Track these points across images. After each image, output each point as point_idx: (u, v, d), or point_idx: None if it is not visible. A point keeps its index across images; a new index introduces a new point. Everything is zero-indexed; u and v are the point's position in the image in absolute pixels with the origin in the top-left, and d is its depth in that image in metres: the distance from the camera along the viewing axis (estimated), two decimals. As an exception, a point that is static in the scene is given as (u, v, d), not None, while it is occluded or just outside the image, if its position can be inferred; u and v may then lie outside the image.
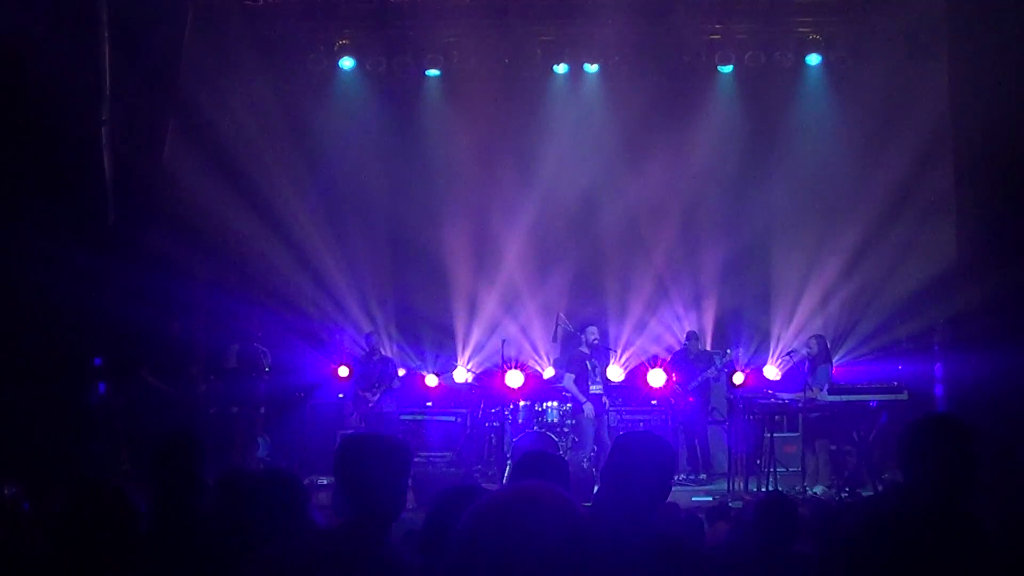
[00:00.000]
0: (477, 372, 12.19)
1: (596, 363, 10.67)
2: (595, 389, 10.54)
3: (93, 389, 9.88)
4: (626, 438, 3.31)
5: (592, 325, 10.95)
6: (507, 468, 9.70)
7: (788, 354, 11.08)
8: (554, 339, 11.58)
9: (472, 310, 12.54)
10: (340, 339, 12.08)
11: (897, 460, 3.42)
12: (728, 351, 11.08)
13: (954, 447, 3.17)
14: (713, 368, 10.84)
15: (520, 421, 10.67)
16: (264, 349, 10.65)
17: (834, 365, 10.65)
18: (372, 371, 11.04)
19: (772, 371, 11.78)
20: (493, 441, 10.92)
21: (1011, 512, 3.63)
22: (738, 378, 10.90)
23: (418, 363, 12.30)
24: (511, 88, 12.37)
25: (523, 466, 3.71)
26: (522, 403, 10.73)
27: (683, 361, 11.10)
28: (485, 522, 1.92)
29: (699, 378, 10.82)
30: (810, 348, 10.37)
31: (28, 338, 8.58)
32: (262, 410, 10.54)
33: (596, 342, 10.77)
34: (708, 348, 11.72)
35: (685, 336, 11.53)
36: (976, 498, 3.16)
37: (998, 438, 7.72)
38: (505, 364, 10.99)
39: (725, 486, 9.96)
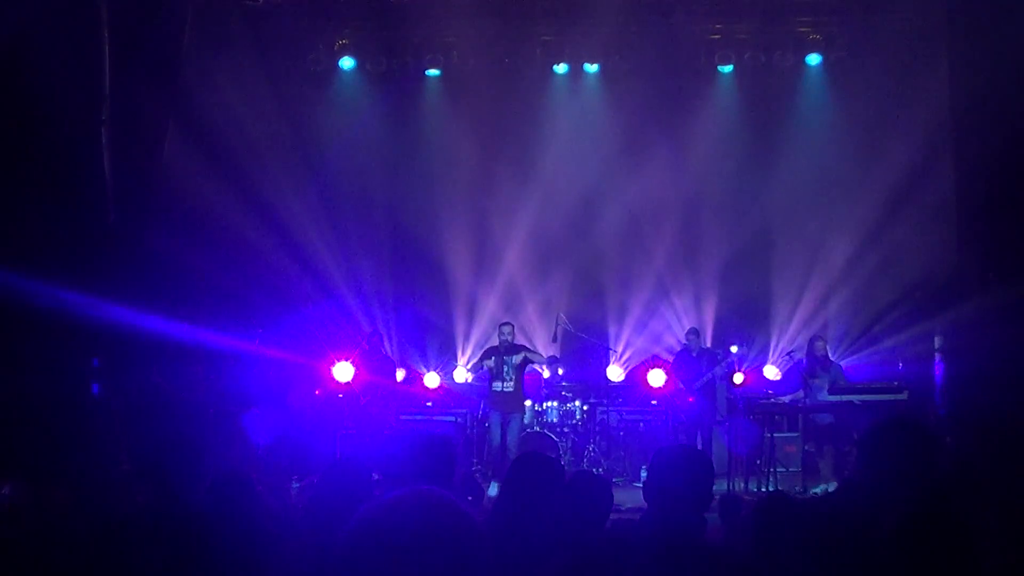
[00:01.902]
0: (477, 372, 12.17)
1: (506, 359, 10.23)
2: (498, 385, 10.23)
3: (92, 389, 9.87)
4: (663, 455, 3.23)
5: (507, 324, 10.56)
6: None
7: (788, 354, 11.06)
8: (554, 339, 11.56)
9: (472, 310, 12.54)
10: (350, 336, 12.05)
11: (858, 459, 3.42)
12: (733, 347, 10.99)
13: (911, 451, 3.16)
14: (720, 366, 10.74)
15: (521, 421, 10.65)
16: (263, 349, 10.65)
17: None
18: (372, 369, 11.02)
19: (772, 371, 11.78)
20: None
21: (1011, 510, 3.62)
22: (738, 378, 10.86)
23: (418, 363, 12.29)
24: (511, 88, 12.37)
25: (518, 469, 3.71)
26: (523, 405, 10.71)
27: (687, 360, 11.00)
28: (371, 529, 1.89)
29: (704, 377, 10.69)
30: (817, 349, 10.30)
31: (28, 338, 8.56)
32: (262, 409, 10.52)
33: (507, 341, 10.36)
34: (709, 347, 11.68)
35: (686, 333, 11.22)
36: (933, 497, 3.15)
37: (998, 437, 7.72)
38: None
39: (725, 486, 9.95)
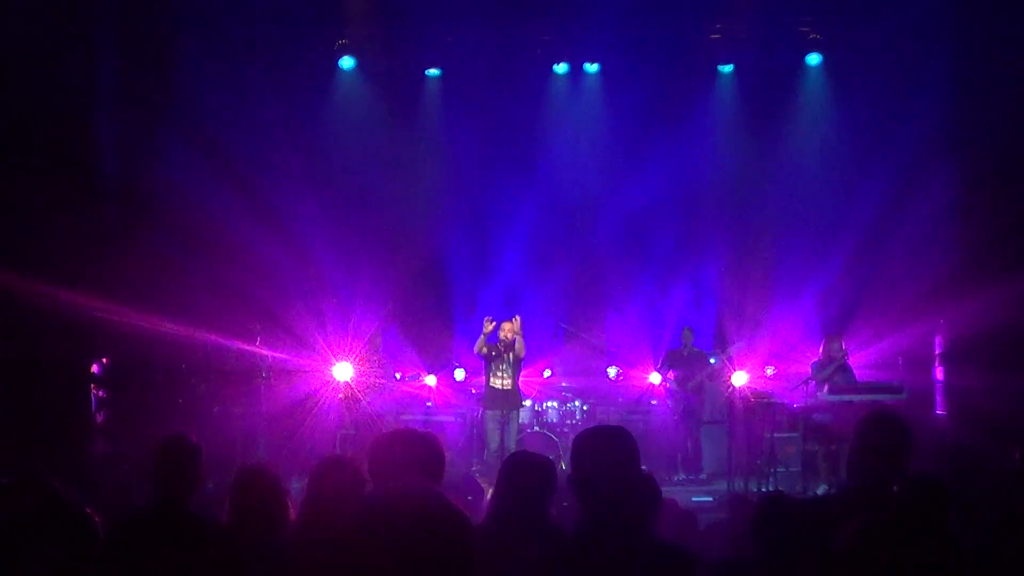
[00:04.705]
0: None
1: (504, 356, 9.86)
2: (496, 383, 9.88)
3: (93, 390, 9.87)
4: (580, 440, 3.13)
5: (492, 320, 9.97)
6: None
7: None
8: (554, 337, 11.57)
9: (472, 310, 12.54)
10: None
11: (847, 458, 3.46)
12: (728, 348, 10.92)
13: (889, 440, 3.19)
14: (709, 369, 10.67)
15: (521, 421, 10.64)
16: (264, 353, 10.62)
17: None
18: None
19: (771, 371, 11.75)
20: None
21: (1008, 510, 3.62)
22: (739, 378, 10.80)
23: (418, 363, 12.27)
24: (511, 88, 12.38)
25: (510, 468, 3.72)
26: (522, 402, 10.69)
27: (677, 358, 10.95)
28: (364, 524, 1.89)
29: (694, 380, 10.63)
30: (844, 352, 10.16)
31: (27, 340, 8.57)
32: (263, 409, 10.51)
33: (505, 338, 9.89)
34: (709, 348, 11.66)
35: (681, 331, 11.12)
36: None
37: (998, 437, 7.72)
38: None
39: (725, 486, 9.95)
